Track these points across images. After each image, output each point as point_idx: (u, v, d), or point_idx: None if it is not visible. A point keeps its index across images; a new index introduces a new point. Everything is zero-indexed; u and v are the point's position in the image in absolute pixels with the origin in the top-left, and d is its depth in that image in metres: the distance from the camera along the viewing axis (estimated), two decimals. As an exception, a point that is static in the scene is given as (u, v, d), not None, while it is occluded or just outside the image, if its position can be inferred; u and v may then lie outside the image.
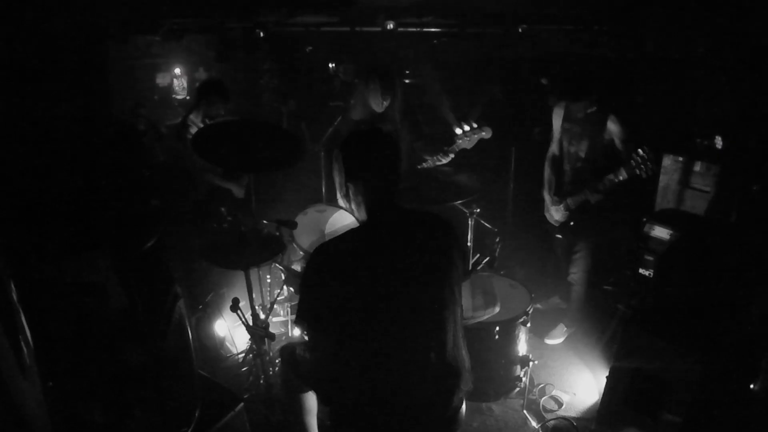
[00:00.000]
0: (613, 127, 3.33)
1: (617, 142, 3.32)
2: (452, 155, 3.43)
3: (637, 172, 3.10)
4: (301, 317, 1.92)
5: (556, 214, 3.70)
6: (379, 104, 3.59)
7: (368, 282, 1.82)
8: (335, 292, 1.84)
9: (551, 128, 3.84)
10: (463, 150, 3.40)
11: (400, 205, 1.94)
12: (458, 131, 3.28)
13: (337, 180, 4.32)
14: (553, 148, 3.76)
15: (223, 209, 4.00)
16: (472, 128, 3.25)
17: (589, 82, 3.39)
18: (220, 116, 4.14)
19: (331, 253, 1.87)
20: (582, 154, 3.49)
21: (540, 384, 3.33)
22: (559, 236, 3.81)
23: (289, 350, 2.34)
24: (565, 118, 3.58)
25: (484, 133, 3.25)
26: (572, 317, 3.85)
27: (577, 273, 3.71)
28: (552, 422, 3.08)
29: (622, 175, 3.20)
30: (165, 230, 2.16)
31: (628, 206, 4.40)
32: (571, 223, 3.63)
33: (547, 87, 5.94)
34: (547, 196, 3.78)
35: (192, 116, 4.12)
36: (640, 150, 3.09)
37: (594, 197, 3.39)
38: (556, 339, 3.85)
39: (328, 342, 1.90)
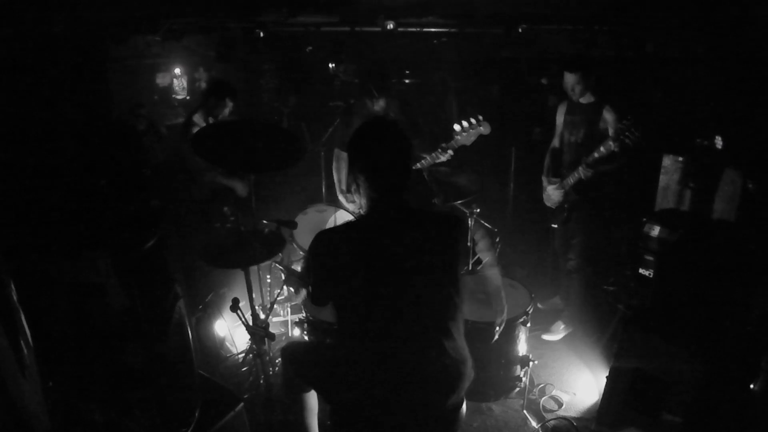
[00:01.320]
0: (608, 116, 3.40)
1: (611, 131, 3.36)
2: (451, 152, 3.42)
3: (623, 138, 3.15)
4: (312, 298, 1.95)
5: (552, 194, 3.75)
6: (378, 105, 3.60)
7: (367, 278, 1.81)
8: (335, 285, 1.84)
9: (551, 128, 3.89)
10: (463, 149, 3.39)
11: (403, 203, 1.92)
12: (457, 128, 3.28)
13: (337, 177, 4.34)
14: (555, 141, 3.85)
15: (226, 209, 4.00)
16: (471, 124, 3.25)
17: (588, 60, 3.51)
18: (225, 117, 4.14)
19: (330, 242, 1.87)
20: (579, 142, 3.56)
21: (540, 384, 3.33)
22: (555, 226, 3.83)
23: (290, 350, 2.34)
24: (568, 111, 3.66)
25: (482, 129, 3.25)
26: (571, 313, 3.85)
27: (575, 260, 3.73)
28: (552, 422, 3.08)
29: (608, 147, 3.25)
30: (165, 230, 2.16)
31: (628, 206, 4.41)
32: (566, 206, 3.66)
33: (547, 87, 5.96)
34: (545, 179, 3.85)
35: (196, 116, 4.12)
36: (625, 121, 3.16)
37: (586, 173, 3.42)
38: (553, 336, 3.85)
39: (329, 338, 1.91)
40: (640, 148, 3.27)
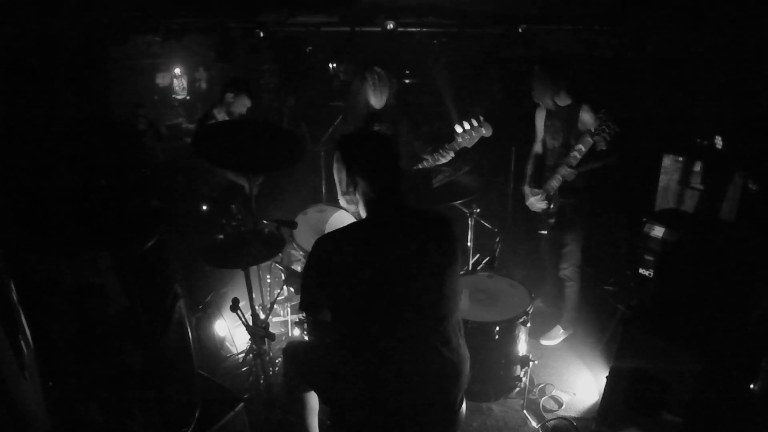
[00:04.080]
0: (585, 116, 3.33)
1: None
2: (452, 154, 3.42)
3: (600, 132, 3.08)
4: (304, 309, 1.94)
5: (535, 203, 3.69)
6: (378, 99, 3.59)
7: (368, 280, 1.82)
8: (334, 288, 1.84)
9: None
10: (464, 149, 3.39)
11: (402, 204, 1.93)
12: (458, 129, 3.28)
13: (338, 178, 4.31)
14: (536, 147, 3.78)
15: (233, 206, 3.99)
16: (472, 126, 3.25)
17: (553, 69, 3.39)
18: (242, 115, 4.11)
19: (331, 247, 1.88)
20: (561, 144, 3.50)
21: (540, 384, 3.33)
22: (544, 232, 3.74)
23: (291, 349, 2.34)
24: (548, 116, 3.59)
25: (484, 131, 3.25)
26: (569, 317, 3.82)
27: (567, 269, 3.67)
28: (552, 422, 3.08)
29: (587, 143, 3.18)
30: (165, 230, 2.16)
31: (628, 206, 4.40)
32: (551, 212, 3.57)
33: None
34: (526, 188, 3.76)
35: (215, 111, 4.10)
36: (599, 114, 3.10)
37: (568, 173, 3.35)
38: (552, 340, 3.83)
39: (329, 337, 1.91)
40: (620, 143, 3.21)
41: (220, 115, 4.08)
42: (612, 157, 3.33)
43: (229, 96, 4.07)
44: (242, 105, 4.11)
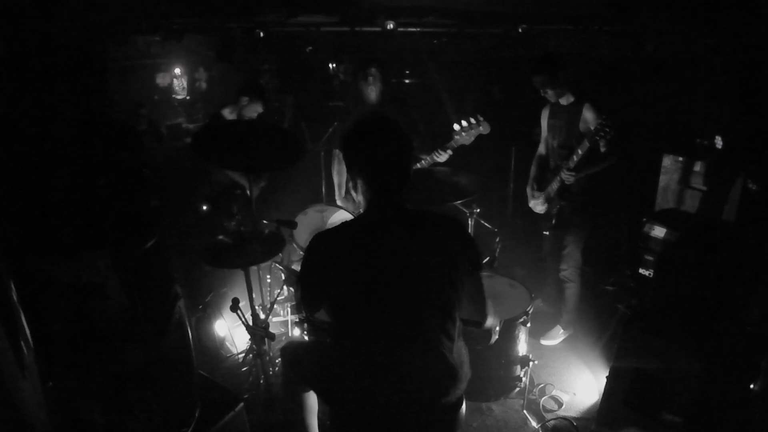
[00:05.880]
0: (588, 114, 3.31)
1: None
2: (450, 152, 3.42)
3: (597, 138, 3.09)
4: (302, 306, 1.92)
5: (536, 205, 3.74)
6: (374, 96, 3.60)
7: (363, 279, 1.81)
8: (332, 286, 1.84)
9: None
10: (463, 148, 3.40)
11: (401, 204, 1.90)
12: (456, 127, 3.28)
13: (336, 180, 4.32)
14: (541, 148, 3.79)
15: (234, 207, 3.98)
16: (470, 124, 3.25)
17: (553, 59, 3.37)
18: (252, 118, 4.11)
19: (326, 244, 1.86)
20: (561, 143, 3.50)
21: (540, 384, 3.33)
22: (546, 233, 3.78)
23: (290, 349, 2.34)
24: (551, 115, 3.60)
25: (482, 128, 3.25)
26: (568, 318, 3.82)
27: (567, 270, 3.67)
28: (552, 422, 3.08)
29: (584, 147, 3.19)
30: (165, 230, 2.16)
31: (628, 206, 4.41)
32: (553, 213, 3.61)
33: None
34: (529, 189, 3.80)
35: (226, 111, 4.10)
36: (600, 120, 3.10)
37: (568, 177, 3.36)
38: (552, 340, 3.83)
39: (328, 337, 1.90)
40: (617, 147, 3.23)
41: (231, 116, 4.08)
42: (610, 160, 3.32)
43: (244, 99, 4.06)
44: (254, 110, 4.11)
